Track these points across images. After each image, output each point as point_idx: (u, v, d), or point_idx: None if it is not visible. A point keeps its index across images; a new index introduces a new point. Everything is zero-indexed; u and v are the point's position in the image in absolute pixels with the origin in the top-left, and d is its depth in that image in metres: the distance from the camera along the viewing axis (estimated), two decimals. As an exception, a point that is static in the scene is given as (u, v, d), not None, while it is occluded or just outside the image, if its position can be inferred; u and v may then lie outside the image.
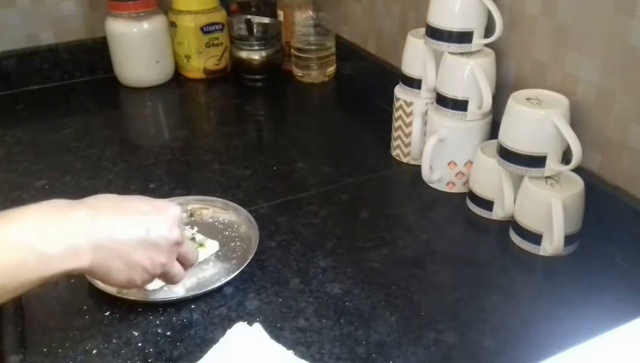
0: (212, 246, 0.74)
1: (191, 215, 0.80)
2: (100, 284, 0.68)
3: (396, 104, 0.93)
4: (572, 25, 0.74)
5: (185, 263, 0.64)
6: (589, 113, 0.74)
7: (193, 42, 1.23)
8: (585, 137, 0.72)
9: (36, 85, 1.23)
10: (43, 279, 0.51)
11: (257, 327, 0.62)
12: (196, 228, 0.76)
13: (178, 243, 0.61)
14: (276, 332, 0.63)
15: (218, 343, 0.60)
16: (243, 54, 1.22)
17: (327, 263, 0.73)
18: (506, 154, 0.75)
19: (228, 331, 0.61)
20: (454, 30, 0.81)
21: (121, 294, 0.67)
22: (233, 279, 0.69)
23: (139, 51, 1.20)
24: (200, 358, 0.59)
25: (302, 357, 0.59)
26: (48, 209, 0.54)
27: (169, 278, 0.63)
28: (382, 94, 1.05)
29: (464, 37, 0.82)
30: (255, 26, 1.23)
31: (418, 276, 0.72)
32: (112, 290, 0.68)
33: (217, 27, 1.24)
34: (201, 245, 0.73)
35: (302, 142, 1.05)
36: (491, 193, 0.80)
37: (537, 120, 0.72)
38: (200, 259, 0.72)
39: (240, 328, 0.62)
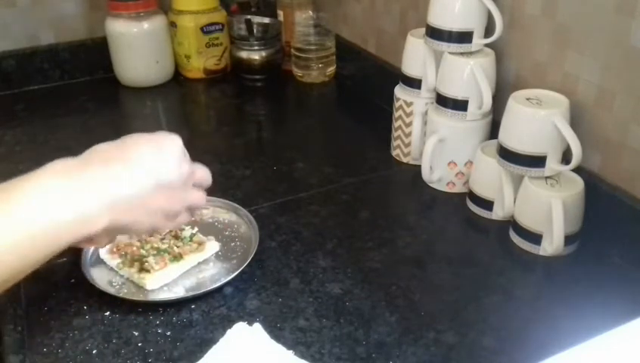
0: (212, 246, 0.74)
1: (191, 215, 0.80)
2: (99, 284, 0.68)
3: (396, 104, 0.93)
4: (572, 25, 0.74)
5: (202, 187, 0.65)
6: (589, 113, 0.74)
7: (193, 42, 1.23)
8: (585, 137, 0.72)
9: (36, 85, 1.23)
10: (60, 247, 0.52)
11: (257, 327, 0.62)
12: (196, 228, 0.76)
13: (189, 176, 0.62)
14: (276, 332, 0.63)
15: (218, 343, 0.60)
16: (244, 54, 1.22)
17: (327, 263, 0.73)
18: (506, 154, 0.75)
19: (228, 331, 0.61)
20: (454, 30, 0.81)
21: (121, 294, 0.67)
22: (233, 279, 0.69)
23: (139, 51, 1.20)
24: (200, 358, 0.59)
25: (302, 357, 0.59)
26: (62, 171, 0.53)
27: (192, 208, 0.64)
28: (382, 94, 1.05)
29: (464, 37, 0.82)
30: (255, 26, 1.23)
31: (418, 276, 0.72)
32: (112, 290, 0.68)
33: (217, 27, 1.24)
34: (200, 244, 0.73)
35: (302, 142, 1.05)
36: (491, 193, 0.80)
37: (537, 120, 0.72)
38: (200, 259, 0.72)
39: (240, 328, 0.62)
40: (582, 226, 0.74)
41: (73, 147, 0.94)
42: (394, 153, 0.97)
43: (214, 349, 0.60)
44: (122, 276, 0.70)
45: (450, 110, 0.84)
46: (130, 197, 0.56)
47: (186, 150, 0.63)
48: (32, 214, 0.50)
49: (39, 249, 0.51)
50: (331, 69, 1.25)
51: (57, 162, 0.54)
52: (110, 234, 0.58)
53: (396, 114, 0.94)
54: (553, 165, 0.73)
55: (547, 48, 0.78)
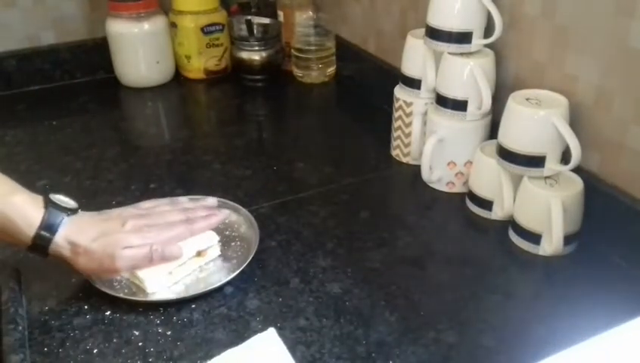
0: (213, 250, 0.73)
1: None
2: (100, 283, 0.68)
3: (396, 104, 0.94)
4: (572, 25, 0.74)
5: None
6: (589, 113, 0.74)
7: (193, 43, 1.23)
8: (584, 137, 0.72)
9: (37, 86, 1.24)
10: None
11: (278, 341, 0.61)
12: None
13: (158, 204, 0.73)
14: (276, 332, 0.63)
15: (238, 346, 0.60)
16: (244, 55, 1.22)
17: (327, 263, 0.73)
18: (505, 154, 0.75)
19: (254, 337, 0.61)
20: (453, 30, 0.81)
21: (122, 294, 0.67)
22: (233, 279, 0.69)
23: (140, 51, 1.20)
24: (199, 357, 0.59)
25: (303, 356, 0.60)
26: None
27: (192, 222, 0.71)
28: (382, 94, 1.05)
29: (464, 37, 0.82)
30: (255, 26, 1.23)
31: (418, 276, 0.72)
32: (112, 290, 0.68)
33: (217, 28, 1.24)
34: (199, 255, 0.72)
35: (302, 142, 1.05)
36: (490, 193, 0.80)
37: (536, 120, 0.72)
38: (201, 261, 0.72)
39: (263, 338, 0.61)
40: (581, 226, 0.74)
41: (74, 148, 0.94)
42: (394, 153, 0.97)
43: (232, 350, 0.60)
44: (122, 276, 0.70)
45: (450, 110, 0.84)
46: (82, 217, 0.67)
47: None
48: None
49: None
50: (331, 70, 1.25)
51: None
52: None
53: (396, 114, 0.94)
54: (552, 165, 0.73)
55: (546, 48, 0.78)
